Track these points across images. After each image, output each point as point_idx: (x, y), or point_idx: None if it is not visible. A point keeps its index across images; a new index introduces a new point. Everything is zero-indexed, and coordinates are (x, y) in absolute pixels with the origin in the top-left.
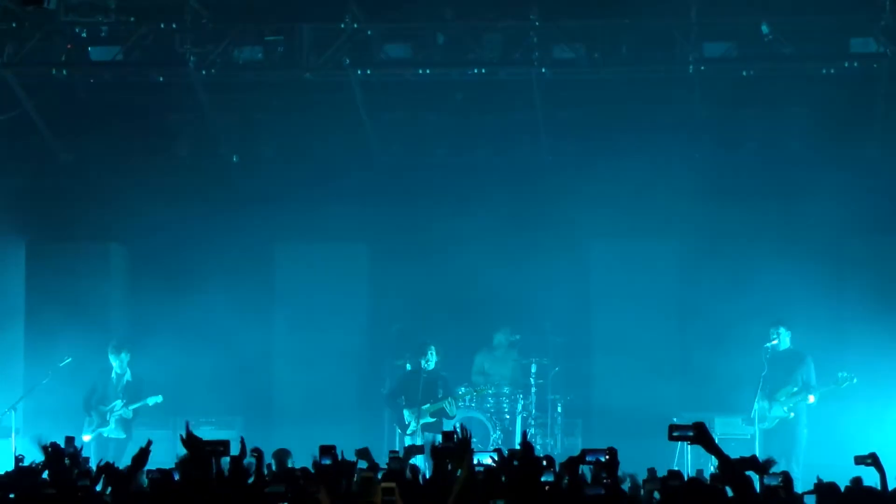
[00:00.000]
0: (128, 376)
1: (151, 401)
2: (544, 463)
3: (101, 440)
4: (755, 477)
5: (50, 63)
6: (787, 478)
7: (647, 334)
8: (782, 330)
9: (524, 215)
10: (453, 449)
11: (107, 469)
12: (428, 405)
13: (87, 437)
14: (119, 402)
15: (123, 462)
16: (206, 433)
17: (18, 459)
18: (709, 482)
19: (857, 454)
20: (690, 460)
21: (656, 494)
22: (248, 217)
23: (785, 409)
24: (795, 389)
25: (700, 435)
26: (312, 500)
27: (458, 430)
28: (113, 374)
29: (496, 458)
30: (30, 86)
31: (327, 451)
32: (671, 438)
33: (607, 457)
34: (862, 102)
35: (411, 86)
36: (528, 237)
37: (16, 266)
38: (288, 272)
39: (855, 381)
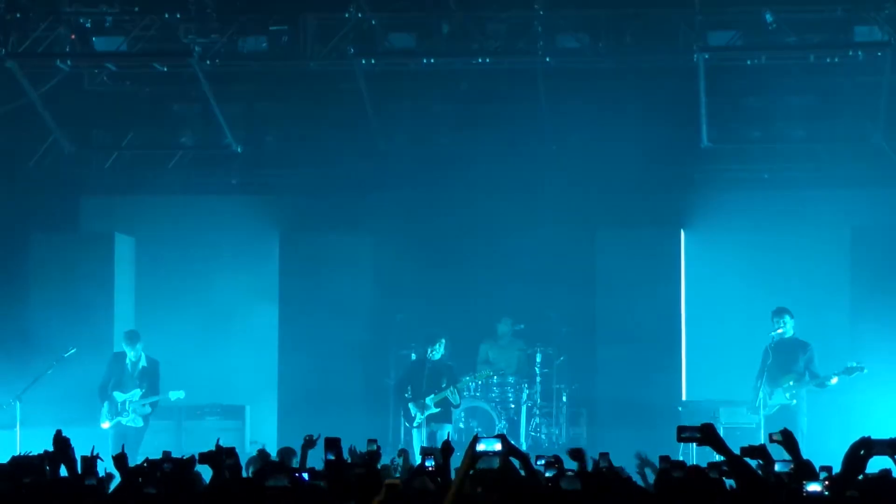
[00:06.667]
0: (143, 362)
1: (173, 395)
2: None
3: (120, 428)
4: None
5: (54, 54)
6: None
7: (652, 323)
8: (787, 318)
9: (529, 205)
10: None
11: (122, 459)
12: (432, 396)
13: (105, 425)
14: (138, 392)
15: (142, 451)
16: (211, 423)
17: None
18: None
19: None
20: (695, 449)
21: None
22: (252, 207)
23: (787, 395)
24: (798, 377)
25: (708, 436)
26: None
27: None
28: (128, 361)
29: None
30: (34, 76)
31: (332, 444)
32: (680, 440)
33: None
34: (866, 91)
35: (415, 75)
36: (533, 226)
37: (21, 256)
38: (292, 262)
39: (865, 371)
